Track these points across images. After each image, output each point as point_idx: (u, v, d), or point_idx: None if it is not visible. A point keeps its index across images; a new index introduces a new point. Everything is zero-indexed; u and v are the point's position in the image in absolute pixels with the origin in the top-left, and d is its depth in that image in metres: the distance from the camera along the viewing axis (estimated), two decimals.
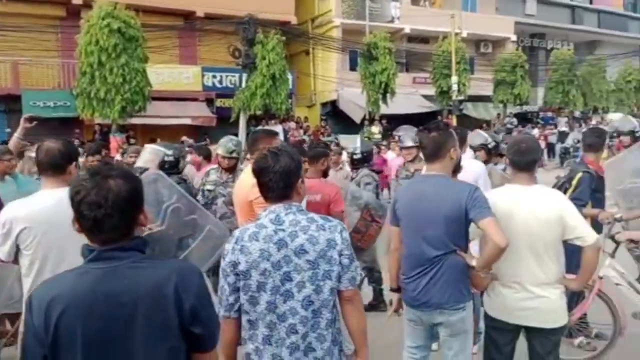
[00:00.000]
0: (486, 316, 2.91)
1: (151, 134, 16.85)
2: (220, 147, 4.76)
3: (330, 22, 22.52)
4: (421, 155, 3.37)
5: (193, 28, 19.36)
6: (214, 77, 19.77)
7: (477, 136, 4.94)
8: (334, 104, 22.65)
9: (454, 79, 21.30)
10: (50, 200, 2.54)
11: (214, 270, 4.33)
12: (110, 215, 1.47)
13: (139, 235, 1.58)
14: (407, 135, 5.39)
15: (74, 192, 1.49)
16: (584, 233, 2.66)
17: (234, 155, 4.73)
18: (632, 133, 5.35)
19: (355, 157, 5.67)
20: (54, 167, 2.64)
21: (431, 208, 2.69)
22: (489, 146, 4.79)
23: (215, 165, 5.08)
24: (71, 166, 2.70)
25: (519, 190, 2.75)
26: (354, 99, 21.22)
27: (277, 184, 2.07)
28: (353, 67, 21.59)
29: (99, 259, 1.50)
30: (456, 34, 21.89)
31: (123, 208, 1.49)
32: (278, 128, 18.43)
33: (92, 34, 14.18)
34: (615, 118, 22.60)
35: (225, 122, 18.26)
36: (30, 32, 16.02)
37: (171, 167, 4.50)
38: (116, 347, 1.45)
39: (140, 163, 4.56)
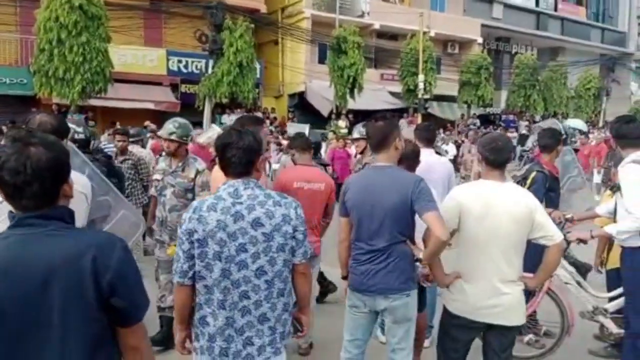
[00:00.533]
0: (446, 312, 2.93)
1: (112, 117, 16.37)
2: (162, 129, 4.33)
3: (301, 13, 22.35)
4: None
5: (159, 9, 18.83)
6: (180, 61, 19.33)
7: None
8: (301, 95, 22.53)
9: (421, 77, 21.51)
10: None
11: None
12: (29, 183, 1.45)
13: (63, 205, 1.56)
14: (356, 128, 5.42)
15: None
16: (551, 232, 2.73)
17: (173, 137, 4.12)
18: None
19: None
20: None
21: (379, 199, 2.77)
22: None
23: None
24: (63, 141, 2.65)
25: (493, 187, 2.78)
26: (322, 91, 21.16)
27: (240, 160, 2.19)
28: (322, 60, 21.53)
29: (19, 225, 1.49)
30: (424, 32, 22.08)
31: (43, 176, 1.47)
32: None
33: (52, 10, 13.60)
34: (572, 124, 23.45)
35: (189, 109, 17.84)
36: None
37: (81, 146, 4.14)
38: (30, 311, 1.42)
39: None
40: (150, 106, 17.60)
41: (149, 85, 18.10)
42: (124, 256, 1.53)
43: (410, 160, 3.33)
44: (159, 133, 4.49)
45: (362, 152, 5.26)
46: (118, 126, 12.56)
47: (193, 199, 3.96)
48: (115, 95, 15.61)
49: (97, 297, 1.47)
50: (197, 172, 4.09)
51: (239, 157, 2.19)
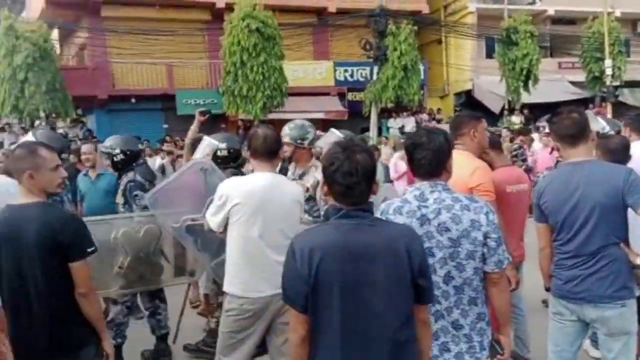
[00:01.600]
0: None
1: None
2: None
3: (465, 9, 21.52)
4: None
5: (325, 24, 19.74)
6: (346, 71, 19.98)
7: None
8: (468, 93, 21.67)
9: (608, 62, 19.12)
10: (263, 182, 2.84)
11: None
12: (359, 183, 1.80)
13: (370, 200, 1.91)
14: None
15: (329, 163, 1.83)
16: None
17: (287, 140, 3.71)
18: None
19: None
20: (269, 153, 2.91)
21: (582, 197, 2.48)
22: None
23: None
24: (279, 152, 3.01)
25: None
26: (491, 87, 20.09)
27: (430, 161, 2.15)
28: (490, 54, 20.45)
29: (346, 216, 1.84)
30: (609, 13, 19.65)
31: (369, 177, 1.82)
32: (410, 120, 18.18)
33: (234, 35, 15.10)
34: None
35: (356, 116, 18.41)
36: (180, 35, 17.55)
37: (225, 162, 4.08)
38: (364, 288, 1.80)
39: (198, 155, 4.00)
40: (321, 116, 18.46)
41: (318, 96, 19.03)
42: (422, 244, 1.92)
43: (618, 154, 2.95)
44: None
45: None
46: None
47: (312, 210, 3.59)
48: (289, 108, 16.69)
49: (410, 276, 1.82)
50: (317, 183, 3.55)
51: (429, 159, 2.14)
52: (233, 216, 2.80)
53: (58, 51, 17.32)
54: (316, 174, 3.57)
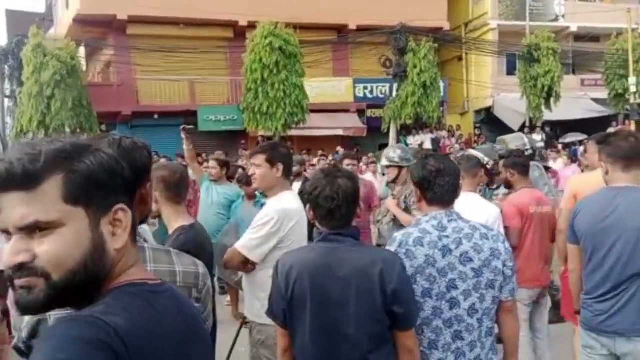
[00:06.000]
0: None
1: (307, 144, 17.63)
2: (383, 159, 4.45)
3: (486, 25, 21.49)
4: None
5: (346, 41, 19.88)
6: (365, 88, 20.04)
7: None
8: (488, 110, 21.53)
9: (632, 79, 18.84)
10: (298, 201, 2.84)
11: None
12: (339, 207, 1.88)
13: (354, 225, 1.99)
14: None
15: (312, 188, 1.92)
16: None
17: (396, 161, 4.28)
18: None
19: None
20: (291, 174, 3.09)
21: (621, 225, 2.39)
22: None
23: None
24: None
25: None
26: (512, 104, 19.94)
27: (453, 187, 2.15)
28: (511, 72, 20.35)
29: (326, 239, 1.94)
30: (633, 30, 19.42)
31: (350, 201, 1.90)
32: (429, 137, 18.12)
33: (256, 53, 15.32)
34: None
35: (375, 133, 18.43)
36: (203, 53, 17.84)
37: None
38: (335, 309, 1.87)
39: None
40: (340, 132, 18.55)
41: (337, 113, 19.10)
42: (403, 271, 1.92)
43: None
44: (382, 163, 4.52)
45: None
46: (316, 153, 13.47)
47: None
48: (309, 125, 16.81)
49: (383, 301, 1.84)
50: None
51: (452, 184, 2.13)
52: (287, 238, 2.67)
53: (84, 68, 17.73)
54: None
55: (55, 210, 0.83)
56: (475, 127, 21.38)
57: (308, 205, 1.98)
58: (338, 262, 1.88)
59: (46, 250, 0.82)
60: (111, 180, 0.89)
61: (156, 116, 17.87)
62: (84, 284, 0.86)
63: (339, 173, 1.97)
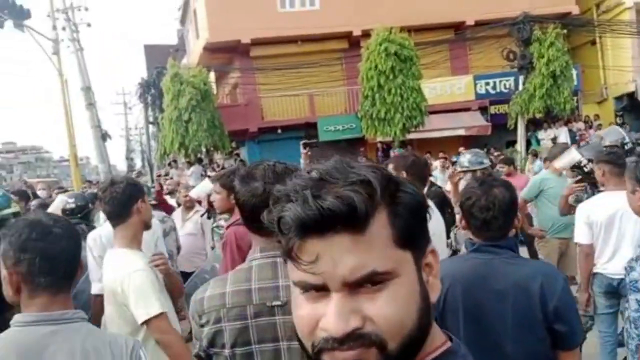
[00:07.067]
0: None
1: (427, 147, 17.31)
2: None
3: (620, 5, 19.44)
4: None
5: (464, 38, 19.25)
6: (487, 84, 19.18)
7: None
8: (631, 96, 19.40)
9: None
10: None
11: None
12: (496, 218, 1.80)
13: (511, 236, 1.89)
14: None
15: (466, 198, 1.86)
16: None
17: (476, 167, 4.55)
18: None
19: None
20: None
21: None
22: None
23: None
24: None
25: None
26: None
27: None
28: None
29: (478, 250, 1.86)
30: None
31: (506, 211, 1.81)
32: (563, 130, 16.80)
33: (371, 60, 15.43)
34: None
35: (501, 130, 17.54)
36: (320, 66, 18.42)
37: (72, 214, 4.56)
38: (489, 322, 1.78)
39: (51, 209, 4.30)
40: (461, 132, 17.93)
41: (458, 112, 18.51)
42: (566, 286, 1.80)
43: None
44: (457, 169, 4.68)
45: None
46: (437, 155, 13.18)
47: None
48: (428, 127, 16.50)
49: (544, 319, 1.73)
50: None
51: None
52: None
53: (215, 91, 19.23)
54: None
55: (389, 256, 0.65)
56: (616, 116, 19.37)
57: (460, 214, 1.94)
58: (494, 275, 1.80)
59: (382, 310, 0.63)
60: (423, 213, 0.71)
61: (279, 130, 18.76)
62: (414, 354, 0.67)
63: (495, 182, 1.89)
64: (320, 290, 0.64)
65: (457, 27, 19.58)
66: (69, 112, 17.34)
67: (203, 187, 4.93)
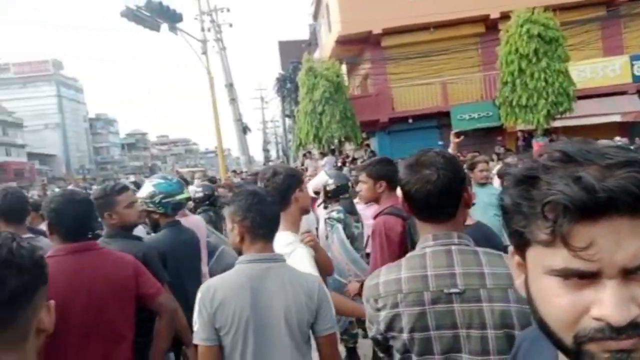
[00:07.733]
0: None
1: (575, 135, 15.85)
2: None
3: None
4: None
5: (618, 15, 17.29)
6: None
7: None
8: None
9: None
10: None
11: None
12: None
13: None
14: None
15: None
16: None
17: None
18: None
19: None
20: None
21: None
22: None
23: None
24: None
25: None
26: None
27: None
28: None
29: None
30: None
31: None
32: None
33: (511, 44, 14.51)
34: None
35: None
36: (454, 52, 17.77)
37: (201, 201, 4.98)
38: None
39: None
40: (616, 118, 16.15)
41: (611, 97, 16.70)
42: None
43: None
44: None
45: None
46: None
47: None
48: (576, 113, 15.12)
49: None
50: None
51: None
52: None
53: (346, 83, 19.54)
54: None
55: None
56: None
57: None
58: None
59: None
60: None
61: (410, 120, 18.50)
62: None
63: None
64: (588, 277, 0.62)
65: (609, 4, 17.63)
66: (216, 108, 18.78)
67: (320, 179, 5.18)
